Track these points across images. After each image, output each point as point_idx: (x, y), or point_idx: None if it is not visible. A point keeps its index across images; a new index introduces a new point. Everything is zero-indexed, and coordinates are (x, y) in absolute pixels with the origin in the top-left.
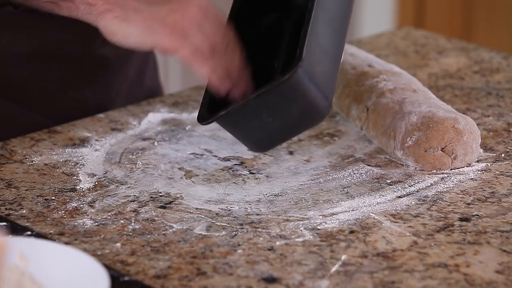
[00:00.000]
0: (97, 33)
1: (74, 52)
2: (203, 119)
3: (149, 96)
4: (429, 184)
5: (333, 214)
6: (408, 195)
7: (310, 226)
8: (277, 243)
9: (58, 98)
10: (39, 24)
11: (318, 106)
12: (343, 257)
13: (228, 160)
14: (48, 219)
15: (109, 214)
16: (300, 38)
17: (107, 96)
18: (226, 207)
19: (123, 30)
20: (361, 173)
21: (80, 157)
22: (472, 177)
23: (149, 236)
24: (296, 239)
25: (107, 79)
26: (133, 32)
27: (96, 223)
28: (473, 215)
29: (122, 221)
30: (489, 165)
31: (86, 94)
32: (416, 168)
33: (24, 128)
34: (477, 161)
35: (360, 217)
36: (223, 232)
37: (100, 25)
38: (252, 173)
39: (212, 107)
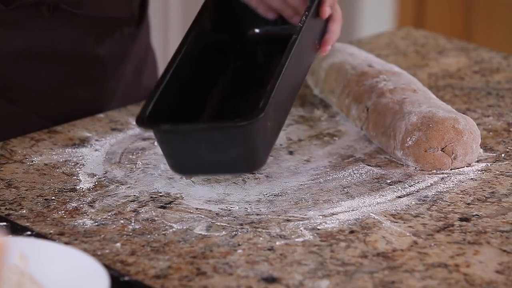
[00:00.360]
0: (89, 32)
1: (66, 51)
2: (142, 122)
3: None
4: (429, 184)
5: (333, 214)
6: (408, 195)
7: (310, 226)
8: (277, 243)
9: (51, 96)
10: (30, 23)
11: (255, 159)
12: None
13: None
14: (48, 219)
15: (109, 214)
16: (266, 89)
17: (102, 96)
18: (226, 207)
19: None
20: (361, 173)
21: (80, 157)
22: (472, 177)
23: (149, 236)
24: (296, 239)
25: (101, 79)
26: None
27: (96, 223)
28: (473, 215)
29: (122, 221)
30: (489, 165)
31: (80, 93)
32: (416, 168)
33: (19, 127)
34: (477, 161)
35: (360, 217)
36: (223, 232)
37: None
38: (252, 173)
39: (156, 111)
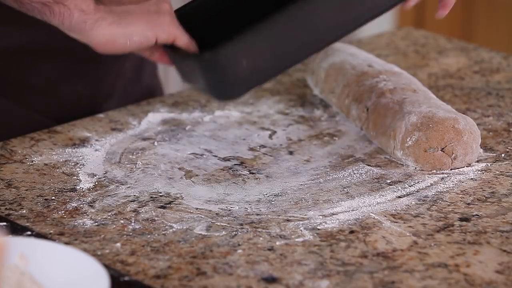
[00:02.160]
0: None
1: (64, 47)
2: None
3: (148, 94)
4: (429, 184)
5: (333, 214)
6: (408, 195)
7: (310, 226)
8: (277, 243)
9: (50, 93)
10: (27, 19)
11: (225, 89)
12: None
13: (228, 160)
14: (48, 219)
15: (109, 214)
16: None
17: (100, 92)
18: (226, 207)
19: (124, 32)
20: (361, 173)
21: (80, 157)
22: (472, 177)
23: (149, 236)
24: (296, 239)
25: (99, 75)
26: (135, 31)
27: (96, 223)
28: (473, 215)
29: (122, 221)
30: (489, 165)
31: (78, 89)
32: (416, 168)
33: (17, 124)
34: (477, 161)
35: (360, 217)
36: (223, 232)
37: (96, 34)
38: (252, 173)
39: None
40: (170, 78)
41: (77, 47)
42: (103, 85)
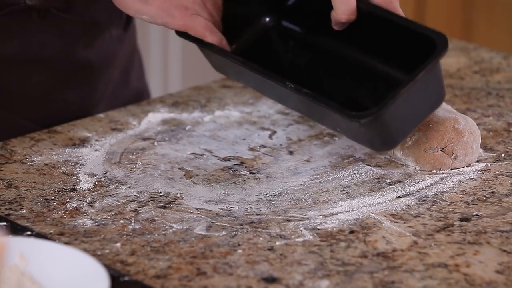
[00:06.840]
0: (79, 36)
1: (56, 55)
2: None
3: (135, 97)
4: (429, 184)
5: (333, 214)
6: (408, 195)
7: (310, 226)
8: (277, 243)
9: (41, 102)
10: (20, 28)
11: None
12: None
13: (228, 160)
14: (48, 219)
15: (109, 214)
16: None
17: (91, 99)
18: (226, 207)
19: (140, 8)
20: (361, 173)
21: (80, 157)
22: (472, 177)
23: (149, 236)
24: (296, 239)
25: (91, 82)
26: (149, 11)
27: (96, 223)
28: (473, 215)
29: (122, 221)
30: (489, 165)
31: (69, 97)
32: (416, 168)
33: (7, 132)
34: (477, 161)
35: (360, 217)
36: (223, 232)
37: None
38: (252, 173)
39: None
40: (170, 79)
41: (70, 55)
42: (94, 92)
